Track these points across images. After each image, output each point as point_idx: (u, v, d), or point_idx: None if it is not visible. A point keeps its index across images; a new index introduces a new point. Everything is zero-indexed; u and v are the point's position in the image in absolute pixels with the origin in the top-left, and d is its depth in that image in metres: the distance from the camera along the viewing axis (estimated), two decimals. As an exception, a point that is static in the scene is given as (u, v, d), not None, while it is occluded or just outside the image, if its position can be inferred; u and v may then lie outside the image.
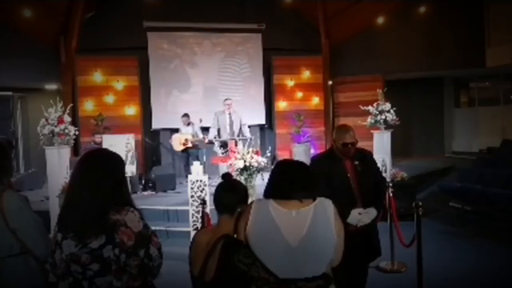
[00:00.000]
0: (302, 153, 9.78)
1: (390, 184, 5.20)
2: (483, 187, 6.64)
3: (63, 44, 9.67)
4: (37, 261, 2.24)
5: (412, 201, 4.30)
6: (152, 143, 9.91)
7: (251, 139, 7.59)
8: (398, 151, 9.25)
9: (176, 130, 9.05)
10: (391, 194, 4.94)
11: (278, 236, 1.84)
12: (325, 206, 1.91)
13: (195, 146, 8.59)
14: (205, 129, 8.45)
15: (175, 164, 9.49)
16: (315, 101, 11.05)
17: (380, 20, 10.65)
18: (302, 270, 1.83)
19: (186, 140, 8.56)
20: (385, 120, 7.12)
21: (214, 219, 2.13)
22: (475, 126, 11.82)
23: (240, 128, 7.85)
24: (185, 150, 8.65)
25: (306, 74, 11.02)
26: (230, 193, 2.01)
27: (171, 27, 10.07)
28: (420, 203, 3.79)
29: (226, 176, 2.12)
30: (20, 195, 2.32)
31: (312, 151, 10.09)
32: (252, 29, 10.54)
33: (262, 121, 10.69)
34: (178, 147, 8.66)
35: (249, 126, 8.28)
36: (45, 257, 2.12)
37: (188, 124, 8.78)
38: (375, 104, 7.23)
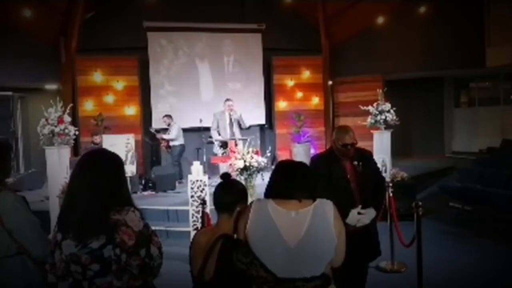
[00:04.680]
0: (302, 153, 9.78)
1: (390, 184, 5.20)
2: (483, 187, 6.64)
3: (63, 44, 9.68)
4: (34, 261, 2.24)
5: (412, 201, 4.29)
6: (152, 143, 9.91)
7: (247, 139, 7.57)
8: (398, 151, 9.25)
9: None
10: (391, 194, 4.94)
11: (277, 236, 1.84)
12: (325, 207, 1.91)
13: (168, 147, 9.14)
14: (206, 129, 8.46)
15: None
16: (315, 101, 11.06)
17: (380, 20, 10.65)
18: (301, 270, 1.83)
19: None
20: (385, 120, 7.11)
21: (214, 219, 2.14)
22: (475, 126, 11.82)
23: (240, 125, 7.77)
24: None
25: (306, 74, 11.03)
26: (229, 193, 2.02)
27: (171, 27, 10.07)
28: (420, 203, 3.78)
29: (225, 176, 2.12)
30: (17, 195, 2.31)
31: (312, 151, 10.09)
32: (252, 29, 10.54)
33: (262, 121, 10.69)
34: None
35: (249, 127, 8.25)
36: (42, 258, 2.12)
37: (169, 124, 9.04)
38: (375, 104, 7.22)
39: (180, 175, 8.82)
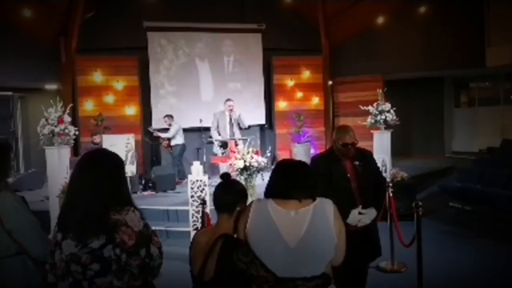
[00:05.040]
0: (302, 153, 9.78)
1: (390, 184, 5.20)
2: (483, 187, 6.63)
3: (63, 44, 9.68)
4: (34, 261, 2.23)
5: (412, 201, 4.29)
6: (152, 143, 9.91)
7: (247, 139, 7.57)
8: (398, 151, 9.25)
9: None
10: (391, 194, 4.94)
11: (277, 236, 1.84)
12: (325, 207, 1.91)
13: (169, 146, 9.15)
14: (206, 129, 8.46)
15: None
16: (315, 101, 11.06)
17: (380, 20, 10.65)
18: (301, 270, 1.83)
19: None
20: (385, 120, 7.11)
21: (214, 219, 2.14)
22: (475, 126, 11.82)
23: (239, 125, 7.77)
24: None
25: (306, 74, 11.03)
26: (229, 193, 2.02)
27: (171, 27, 10.07)
28: (420, 203, 3.78)
29: (225, 176, 2.12)
30: (17, 195, 2.31)
31: (312, 151, 10.09)
32: (252, 29, 10.54)
33: (262, 121, 10.70)
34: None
35: (249, 127, 8.24)
36: (42, 258, 2.12)
37: (170, 125, 9.04)
38: (375, 104, 7.22)
39: (183, 175, 8.78)
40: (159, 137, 9.26)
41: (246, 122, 7.85)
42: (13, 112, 10.00)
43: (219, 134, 7.74)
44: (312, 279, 1.83)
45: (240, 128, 7.76)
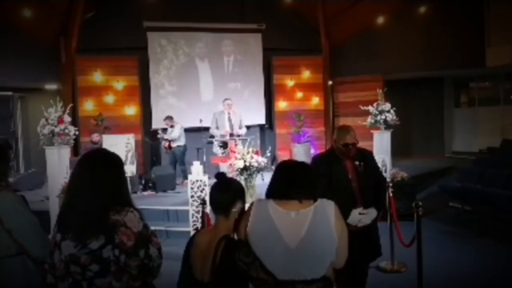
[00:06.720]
0: (302, 153, 9.78)
1: (390, 184, 5.19)
2: (483, 187, 6.64)
3: (63, 44, 9.69)
4: (34, 261, 2.23)
5: (412, 201, 4.29)
6: (152, 143, 9.90)
7: (247, 139, 7.57)
8: (398, 151, 9.25)
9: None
10: (391, 194, 4.94)
11: (277, 237, 1.83)
12: (326, 207, 1.90)
13: (170, 148, 9.05)
14: (206, 129, 8.45)
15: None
16: (315, 101, 11.06)
17: (380, 20, 10.66)
18: (301, 272, 1.82)
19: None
20: (385, 120, 7.11)
21: (214, 219, 2.13)
22: (475, 126, 11.82)
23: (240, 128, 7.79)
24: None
25: (306, 74, 11.03)
26: (223, 193, 1.96)
27: (171, 27, 10.08)
28: (420, 203, 3.78)
29: (220, 175, 2.07)
30: (17, 195, 2.31)
31: (312, 151, 10.10)
32: (252, 29, 10.55)
33: (262, 121, 10.70)
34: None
35: (248, 127, 8.24)
36: (42, 258, 2.12)
37: (171, 126, 8.96)
38: (375, 104, 7.22)
39: (187, 176, 8.70)
40: (166, 139, 9.08)
41: (243, 124, 7.85)
42: (13, 112, 10.00)
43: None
44: (312, 282, 1.82)
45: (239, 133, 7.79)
